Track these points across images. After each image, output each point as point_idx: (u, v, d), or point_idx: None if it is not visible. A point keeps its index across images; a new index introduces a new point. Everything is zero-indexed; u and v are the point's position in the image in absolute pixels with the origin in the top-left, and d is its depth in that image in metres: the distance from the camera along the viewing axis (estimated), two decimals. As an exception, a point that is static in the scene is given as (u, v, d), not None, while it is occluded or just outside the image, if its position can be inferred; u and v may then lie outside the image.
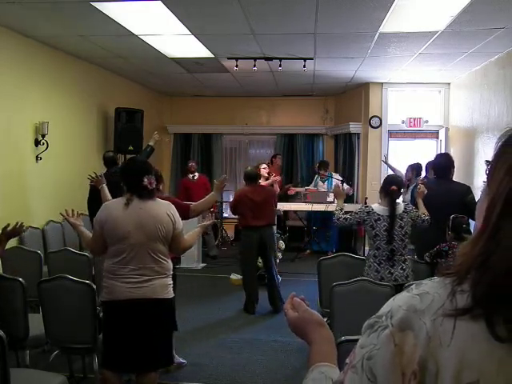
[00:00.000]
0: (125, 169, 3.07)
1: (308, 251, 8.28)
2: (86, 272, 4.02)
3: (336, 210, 3.90)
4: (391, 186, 3.66)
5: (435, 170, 4.63)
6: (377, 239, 3.65)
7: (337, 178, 8.10)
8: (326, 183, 8.20)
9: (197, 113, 9.81)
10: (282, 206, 7.60)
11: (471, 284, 0.66)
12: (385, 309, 0.73)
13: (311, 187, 8.24)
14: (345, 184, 7.81)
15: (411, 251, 4.21)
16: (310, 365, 0.97)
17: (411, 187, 6.13)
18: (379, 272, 3.63)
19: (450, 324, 0.65)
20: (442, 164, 4.53)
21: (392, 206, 3.63)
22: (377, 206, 3.70)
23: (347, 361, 0.76)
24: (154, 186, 2.90)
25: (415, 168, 6.57)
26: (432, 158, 5.34)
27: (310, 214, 8.29)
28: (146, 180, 2.83)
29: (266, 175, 7.05)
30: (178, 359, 3.91)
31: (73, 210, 3.22)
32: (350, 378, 0.73)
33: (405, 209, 3.71)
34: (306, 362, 1.00)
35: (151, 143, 6.28)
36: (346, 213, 3.87)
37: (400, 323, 0.69)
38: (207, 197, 3.86)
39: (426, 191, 3.99)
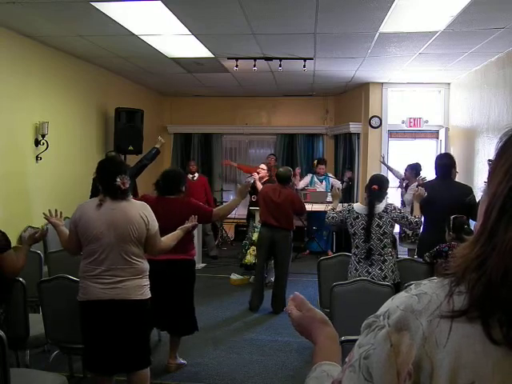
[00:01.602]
0: (98, 168, 2.97)
1: (308, 251, 8.29)
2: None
3: (329, 211, 4.05)
4: (372, 185, 3.72)
5: (437, 170, 4.61)
6: (355, 237, 3.74)
7: (333, 177, 8.14)
8: (323, 182, 8.20)
9: (197, 113, 9.81)
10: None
11: (468, 286, 0.66)
12: (383, 309, 0.73)
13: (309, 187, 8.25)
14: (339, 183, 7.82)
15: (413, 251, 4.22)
16: (313, 363, 0.98)
17: (411, 187, 6.12)
18: (357, 270, 3.70)
19: (447, 325, 0.65)
20: (444, 164, 4.53)
21: (370, 204, 3.68)
22: (357, 205, 3.84)
23: (346, 360, 0.76)
24: (128, 186, 2.85)
25: (414, 168, 6.54)
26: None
27: (310, 214, 8.27)
28: (118, 180, 2.79)
29: (264, 174, 7.08)
30: (179, 359, 3.91)
31: (56, 211, 3.27)
32: (348, 376, 0.73)
33: (385, 209, 3.72)
34: (306, 362, 1.01)
35: (157, 146, 6.30)
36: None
37: (397, 323, 0.69)
38: (230, 201, 3.85)
39: (425, 194, 3.99)
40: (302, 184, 8.24)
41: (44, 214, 3.26)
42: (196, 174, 8.19)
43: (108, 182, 2.81)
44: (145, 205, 2.94)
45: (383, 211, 3.69)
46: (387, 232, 3.69)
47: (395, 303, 0.72)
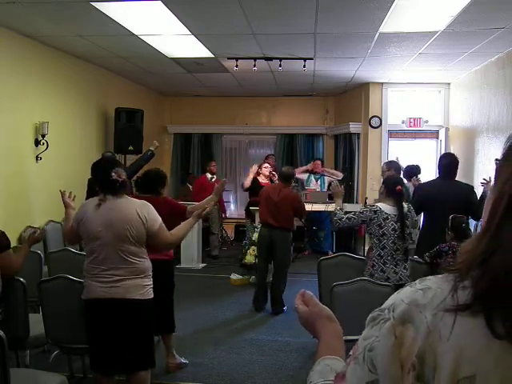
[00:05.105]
0: (92, 169, 3.06)
1: (307, 251, 8.29)
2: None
3: (337, 210, 3.82)
4: (397, 186, 3.68)
5: (439, 170, 4.61)
6: (383, 238, 3.64)
7: (330, 176, 8.11)
8: (318, 181, 8.19)
9: (197, 113, 9.81)
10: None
11: (472, 281, 0.67)
12: (388, 302, 0.75)
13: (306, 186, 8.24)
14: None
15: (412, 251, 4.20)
16: (317, 358, 0.98)
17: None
18: (385, 272, 3.62)
19: (451, 319, 0.66)
20: (445, 164, 4.53)
21: (400, 205, 3.66)
22: (384, 206, 3.68)
23: (350, 353, 0.77)
24: (124, 178, 2.86)
25: (408, 172, 6.10)
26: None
27: (310, 214, 8.26)
28: (114, 174, 2.80)
29: (267, 174, 7.16)
30: (178, 359, 3.90)
31: (70, 193, 3.35)
32: (352, 368, 0.74)
33: (408, 209, 3.74)
34: (306, 362, 1.01)
35: (152, 148, 6.24)
36: (347, 213, 3.86)
37: (401, 316, 0.70)
38: (205, 199, 3.83)
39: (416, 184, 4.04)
40: (301, 175, 8.18)
41: (60, 191, 3.34)
42: (215, 176, 8.18)
43: (104, 178, 2.83)
44: (144, 203, 2.91)
45: (408, 211, 3.72)
46: (411, 232, 3.74)
47: (400, 297, 0.73)
